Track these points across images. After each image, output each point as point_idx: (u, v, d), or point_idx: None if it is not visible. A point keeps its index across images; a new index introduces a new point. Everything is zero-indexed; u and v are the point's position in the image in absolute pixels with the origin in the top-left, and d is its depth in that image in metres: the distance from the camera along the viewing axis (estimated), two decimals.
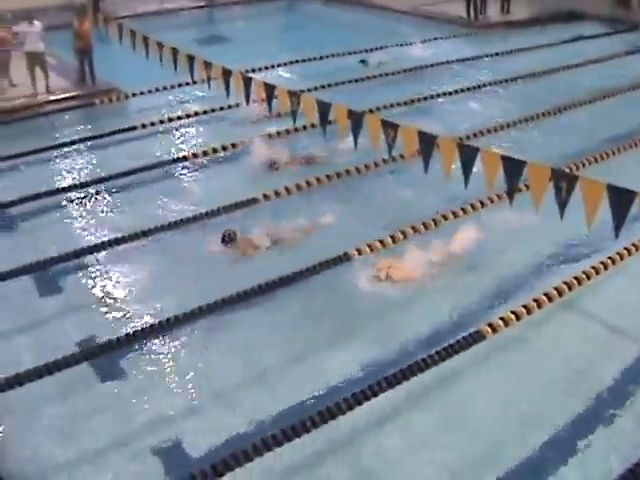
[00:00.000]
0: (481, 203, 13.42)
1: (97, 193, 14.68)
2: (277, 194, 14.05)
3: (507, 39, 26.07)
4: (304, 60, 22.99)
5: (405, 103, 19.04)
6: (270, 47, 25.18)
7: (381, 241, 12.29)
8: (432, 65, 22.58)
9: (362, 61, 22.96)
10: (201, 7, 32.70)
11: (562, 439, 8.57)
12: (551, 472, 8.15)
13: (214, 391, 9.36)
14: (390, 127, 10.59)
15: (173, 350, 10.13)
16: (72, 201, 14.41)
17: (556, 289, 10.91)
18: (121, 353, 10.01)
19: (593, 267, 11.47)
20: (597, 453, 8.37)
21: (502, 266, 11.93)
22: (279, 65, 22.39)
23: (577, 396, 9.22)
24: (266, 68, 21.76)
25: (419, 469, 8.24)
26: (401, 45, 25.08)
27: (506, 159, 9.35)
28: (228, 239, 12.20)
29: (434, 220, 12.95)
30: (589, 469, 8.17)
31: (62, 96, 19.72)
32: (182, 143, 17.15)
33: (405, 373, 9.23)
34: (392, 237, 12.42)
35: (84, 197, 14.53)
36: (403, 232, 12.56)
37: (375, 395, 8.89)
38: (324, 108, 11.49)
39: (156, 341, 10.24)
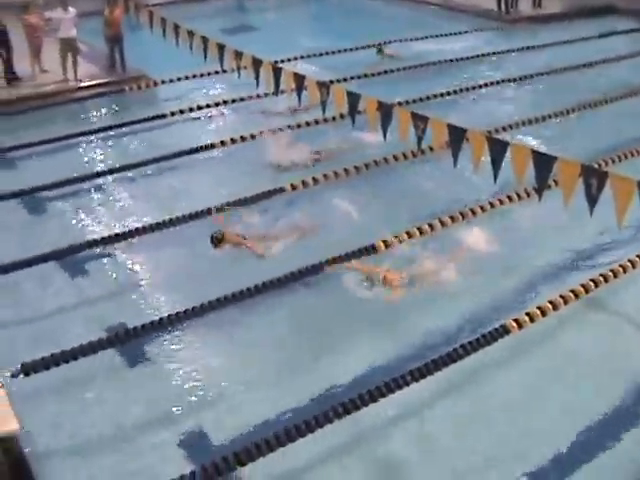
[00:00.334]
0: (509, 198, 13.34)
1: (125, 180, 14.77)
2: (304, 184, 14.08)
3: (537, 33, 25.80)
4: (332, 52, 22.88)
5: (434, 96, 18.92)
6: (298, 37, 25.15)
7: (408, 233, 12.27)
8: (460, 59, 22.41)
9: (379, 50, 22.81)
10: None
11: (590, 437, 8.56)
12: (578, 470, 8.15)
13: (235, 381, 9.40)
14: (420, 119, 10.54)
15: (195, 339, 10.20)
16: (100, 187, 14.52)
17: (583, 286, 10.84)
18: (144, 340, 10.10)
19: (621, 265, 11.37)
20: (626, 451, 8.36)
21: (529, 262, 11.88)
22: (308, 56, 22.30)
23: (604, 393, 9.19)
24: (295, 59, 21.67)
25: (444, 464, 8.27)
26: (429, 37, 24.89)
27: (536, 154, 9.28)
28: (216, 241, 11.77)
29: (461, 213, 12.90)
30: (618, 467, 8.17)
31: (92, 83, 19.87)
32: (211, 131, 17.20)
33: (429, 367, 9.23)
34: (419, 229, 12.40)
35: (112, 184, 14.64)
36: (431, 225, 12.54)
37: (400, 388, 8.91)
38: (353, 99, 11.47)
39: (179, 329, 10.30)
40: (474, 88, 19.90)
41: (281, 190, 13.85)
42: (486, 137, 9.97)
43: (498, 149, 9.62)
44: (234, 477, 7.93)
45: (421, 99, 18.44)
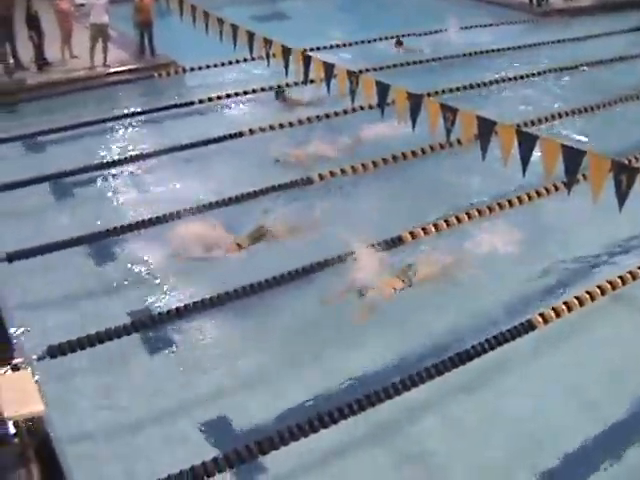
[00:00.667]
0: (537, 192, 13.25)
1: (152, 166, 14.83)
2: (332, 174, 14.07)
3: (569, 26, 25.54)
4: (360, 41, 22.78)
5: (464, 88, 18.79)
6: (328, 26, 25.00)
7: (435, 225, 12.26)
8: (489, 51, 22.26)
9: (398, 43, 22.69)
10: None
11: (614, 433, 8.53)
12: (602, 466, 8.12)
13: (260, 370, 9.45)
14: (449, 111, 10.48)
15: (219, 327, 10.26)
16: (127, 173, 14.60)
17: (610, 282, 10.76)
18: (168, 326, 10.14)
19: None
20: None
21: (556, 256, 11.82)
22: (337, 46, 22.24)
23: (630, 390, 9.16)
24: (325, 48, 21.57)
25: (469, 456, 8.27)
26: (459, 29, 24.68)
27: (566, 148, 9.19)
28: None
29: (489, 207, 12.83)
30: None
31: (121, 69, 19.95)
32: (238, 120, 17.15)
33: (454, 360, 9.22)
34: (446, 222, 12.38)
35: (139, 170, 14.71)
36: (457, 217, 12.51)
37: (425, 381, 8.91)
38: (383, 89, 11.43)
39: (204, 316, 10.33)
40: (503, 81, 19.75)
41: (309, 181, 13.85)
42: (516, 130, 9.91)
43: (528, 143, 9.55)
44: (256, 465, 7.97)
45: (451, 90, 18.35)
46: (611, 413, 8.78)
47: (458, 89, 18.55)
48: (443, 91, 18.08)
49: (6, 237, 12.02)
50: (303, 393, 8.99)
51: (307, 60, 12.87)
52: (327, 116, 16.82)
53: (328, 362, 9.55)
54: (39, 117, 16.95)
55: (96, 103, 18.09)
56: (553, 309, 10.17)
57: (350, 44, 22.58)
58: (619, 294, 10.79)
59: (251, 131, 16.08)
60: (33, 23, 18.80)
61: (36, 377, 8.24)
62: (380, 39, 23.01)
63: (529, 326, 9.90)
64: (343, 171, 14.18)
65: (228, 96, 18.26)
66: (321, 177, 13.96)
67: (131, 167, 14.76)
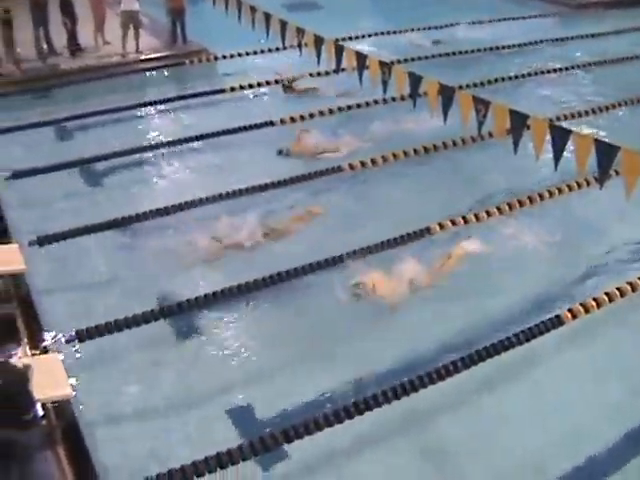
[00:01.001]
0: (568, 187, 13.13)
1: (182, 153, 14.87)
2: (362, 164, 14.04)
3: (604, 20, 25.20)
4: (391, 32, 22.60)
5: (496, 80, 18.59)
6: (358, 16, 24.85)
7: (464, 218, 12.20)
8: (521, 44, 21.95)
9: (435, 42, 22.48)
10: None
11: None
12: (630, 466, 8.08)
13: (287, 359, 9.44)
14: (481, 104, 10.41)
15: (244, 315, 10.27)
16: (157, 159, 14.65)
17: None
18: (194, 313, 10.18)
19: None
20: None
21: (586, 252, 11.73)
22: (369, 35, 22.12)
23: None
24: (357, 38, 21.51)
25: (498, 450, 8.25)
26: (491, 22, 24.44)
27: (599, 143, 9.09)
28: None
29: (519, 201, 12.74)
30: None
31: (153, 56, 20.01)
32: (269, 109, 17.08)
33: (481, 354, 9.17)
34: (476, 215, 12.31)
35: (169, 156, 14.75)
36: (488, 211, 12.43)
37: (452, 374, 8.89)
38: (415, 81, 11.37)
39: (230, 304, 10.35)
40: (535, 74, 19.51)
41: (339, 170, 13.84)
42: (549, 124, 9.82)
43: (561, 137, 9.45)
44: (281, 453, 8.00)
45: (482, 83, 18.17)
46: None
47: (490, 82, 18.33)
48: (475, 84, 17.86)
49: (37, 221, 12.13)
50: (330, 383, 8.98)
51: (339, 50, 12.83)
52: (358, 106, 16.73)
53: (355, 352, 9.52)
54: (71, 102, 17.05)
55: (127, 89, 18.13)
56: (582, 305, 10.08)
57: (382, 33, 22.42)
58: None
59: (282, 121, 16.05)
60: (67, 9, 18.94)
61: (64, 360, 8.32)
62: (412, 30, 22.83)
63: (558, 322, 9.83)
64: (374, 161, 14.13)
65: (259, 84, 18.23)
66: (351, 167, 13.92)
67: (161, 153, 14.80)
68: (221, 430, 8.37)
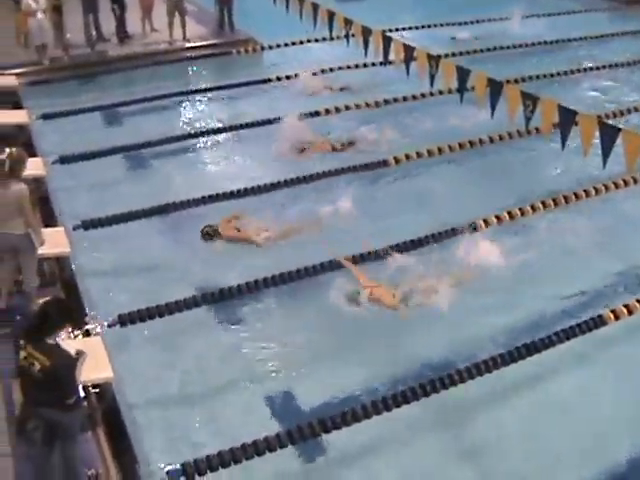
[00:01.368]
0: (615, 184, 12.95)
1: (226, 141, 14.93)
2: (407, 157, 13.99)
3: None
4: (438, 24, 22.46)
5: (544, 76, 18.32)
6: (405, 9, 24.61)
7: (509, 212, 12.11)
8: (569, 40, 21.55)
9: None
10: None
11: None
12: None
13: (326, 350, 9.42)
14: (529, 99, 10.30)
15: (286, 305, 10.26)
16: (202, 146, 14.73)
17: None
18: (236, 301, 10.19)
19: None
20: None
21: (630, 251, 11.54)
22: (416, 27, 22.02)
23: None
24: (403, 29, 21.39)
25: (528, 450, 8.15)
26: (538, 16, 24.11)
27: None
28: (207, 236, 11.32)
29: (565, 197, 12.59)
30: None
31: (200, 44, 20.10)
32: (314, 99, 17.00)
33: (521, 351, 9.11)
34: (521, 210, 12.21)
35: (214, 144, 14.82)
36: (533, 206, 12.32)
37: (490, 371, 8.84)
38: (463, 74, 11.29)
39: (272, 293, 10.35)
40: (582, 70, 19.24)
41: (385, 164, 13.81)
42: (598, 121, 9.68)
43: (609, 134, 9.32)
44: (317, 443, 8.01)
45: (530, 78, 17.91)
46: None
47: (531, 78, 17.95)
48: (521, 79, 17.59)
49: (83, 205, 12.28)
50: (367, 376, 8.98)
51: (387, 41, 12.77)
52: (405, 99, 16.65)
53: (396, 346, 9.51)
54: (117, 89, 17.25)
55: (174, 77, 18.28)
56: (625, 306, 9.96)
57: (429, 26, 22.34)
58: None
59: (327, 111, 16.03)
60: None
61: (106, 344, 8.40)
62: (459, 24, 22.63)
63: (600, 321, 9.72)
64: (419, 154, 14.09)
65: (305, 74, 18.15)
66: (396, 160, 13.87)
67: (206, 141, 14.89)
68: (259, 418, 8.39)
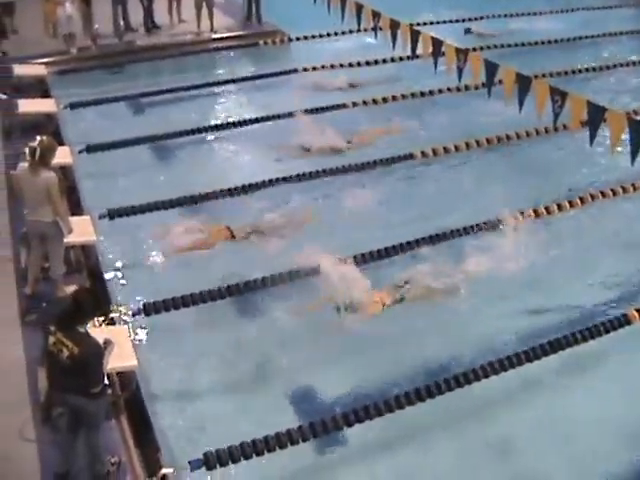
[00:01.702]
0: None
1: (252, 133, 14.91)
2: (434, 151, 13.98)
3: None
4: (466, 19, 22.39)
5: (573, 72, 18.21)
6: (432, 3, 24.53)
7: (535, 210, 12.07)
8: (595, 36, 21.34)
9: (467, 30, 22.04)
10: None
11: None
12: None
13: (349, 344, 9.36)
14: (558, 94, 10.21)
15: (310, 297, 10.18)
16: (229, 138, 14.73)
17: None
18: (259, 293, 10.18)
19: None
20: None
21: None
22: (444, 22, 21.92)
23: None
24: (431, 23, 21.24)
25: (559, 446, 8.13)
26: (564, 12, 23.86)
27: None
28: None
29: (591, 195, 12.52)
30: None
31: (227, 35, 20.17)
32: (342, 91, 17.05)
33: (545, 349, 9.06)
34: (547, 209, 12.17)
35: (240, 135, 14.81)
36: (559, 205, 12.27)
37: (513, 367, 8.81)
38: (491, 69, 11.20)
39: (295, 287, 10.27)
40: (612, 67, 19.04)
41: (411, 157, 13.79)
42: (627, 118, 9.59)
43: (639, 132, 9.23)
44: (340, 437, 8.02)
45: (558, 73, 17.78)
46: None
47: (559, 73, 17.85)
48: (550, 74, 17.47)
49: (108, 194, 12.31)
50: (391, 370, 8.98)
51: (415, 35, 12.71)
52: (431, 93, 16.59)
53: (420, 341, 9.50)
54: (145, 79, 17.38)
55: (200, 68, 18.35)
56: None
57: (457, 21, 22.24)
58: None
59: (354, 104, 16.01)
60: None
61: (130, 332, 8.45)
62: (491, 17, 22.48)
63: (625, 320, 9.67)
64: (446, 149, 14.05)
65: (332, 67, 18.18)
66: (423, 154, 13.85)
67: (232, 132, 14.88)
68: (282, 410, 8.41)
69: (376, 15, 13.80)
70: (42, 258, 9.55)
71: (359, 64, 18.44)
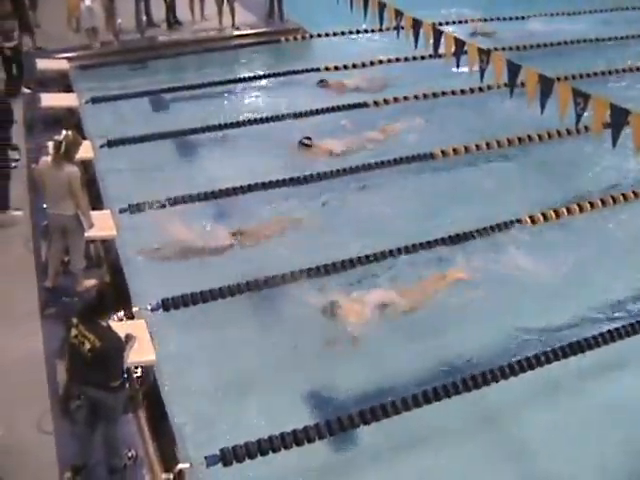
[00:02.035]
0: None
1: (273, 130, 14.89)
2: (455, 151, 13.96)
3: None
4: (489, 19, 22.26)
5: (595, 74, 18.00)
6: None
7: (555, 211, 12.01)
8: (613, 38, 21.09)
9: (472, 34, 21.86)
10: None
11: None
12: None
13: (370, 341, 9.37)
14: (581, 96, 10.15)
15: (329, 292, 10.17)
16: (249, 135, 14.68)
17: None
18: (278, 289, 10.18)
19: None
20: None
21: None
22: (464, 21, 21.89)
23: None
24: (453, 22, 21.24)
25: (576, 447, 8.11)
26: (590, 12, 23.73)
27: None
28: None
29: (613, 198, 12.45)
30: None
31: (249, 32, 20.15)
32: (364, 90, 16.99)
33: (565, 349, 9.06)
34: (568, 209, 12.12)
35: (262, 132, 14.77)
36: (580, 205, 12.23)
37: (532, 368, 8.81)
38: (514, 69, 11.15)
39: (315, 283, 10.29)
40: (632, 70, 18.75)
41: (431, 156, 13.81)
42: None
43: None
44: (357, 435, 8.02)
45: (581, 76, 17.61)
46: None
47: (581, 75, 17.63)
48: (572, 77, 17.30)
49: (128, 189, 12.36)
50: (407, 370, 8.99)
51: (438, 34, 12.67)
52: (453, 93, 16.54)
53: (438, 341, 9.51)
54: (166, 74, 17.42)
55: (222, 64, 18.37)
56: None
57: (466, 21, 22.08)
58: None
59: (376, 103, 15.99)
60: None
61: (149, 327, 8.48)
62: (511, 19, 22.38)
63: None
64: (467, 149, 14.04)
65: (354, 66, 18.11)
66: (443, 153, 13.84)
67: (253, 129, 14.85)
68: (299, 408, 8.43)
69: (399, 14, 13.76)
70: (62, 252, 9.62)
71: (380, 62, 18.33)
